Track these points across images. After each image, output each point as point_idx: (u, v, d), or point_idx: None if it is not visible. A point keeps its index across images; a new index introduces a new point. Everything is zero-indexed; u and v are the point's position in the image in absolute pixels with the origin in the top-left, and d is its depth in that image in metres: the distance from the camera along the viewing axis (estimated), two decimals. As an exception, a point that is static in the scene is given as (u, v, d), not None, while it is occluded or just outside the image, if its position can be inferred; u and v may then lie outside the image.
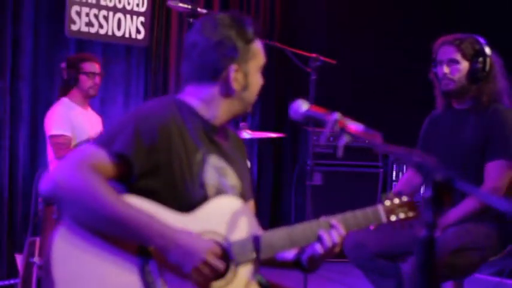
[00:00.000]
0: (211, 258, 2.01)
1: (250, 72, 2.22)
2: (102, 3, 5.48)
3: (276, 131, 5.93)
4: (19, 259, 4.18)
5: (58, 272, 1.92)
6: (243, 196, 2.26)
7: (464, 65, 3.35)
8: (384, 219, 2.31)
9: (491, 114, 3.33)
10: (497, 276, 4.36)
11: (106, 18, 5.51)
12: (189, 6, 3.79)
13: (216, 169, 2.21)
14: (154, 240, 1.96)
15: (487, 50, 3.36)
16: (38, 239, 4.03)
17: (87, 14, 5.39)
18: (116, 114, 5.56)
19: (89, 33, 5.42)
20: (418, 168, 1.71)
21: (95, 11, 5.44)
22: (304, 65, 4.66)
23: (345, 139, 2.09)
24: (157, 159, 2.07)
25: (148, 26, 5.76)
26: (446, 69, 3.37)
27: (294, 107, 2.24)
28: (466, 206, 3.21)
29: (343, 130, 2.08)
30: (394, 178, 6.19)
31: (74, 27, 5.33)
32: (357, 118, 2.13)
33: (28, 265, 4.00)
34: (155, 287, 1.98)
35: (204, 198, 2.14)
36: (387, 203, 2.32)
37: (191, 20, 4.74)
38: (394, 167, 6.17)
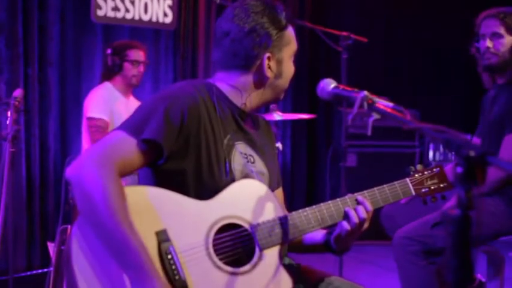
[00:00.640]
0: None
1: (284, 60, 2.20)
2: (128, -13, 5.43)
3: (308, 112, 5.83)
4: (51, 247, 4.17)
5: (77, 261, 1.88)
6: (270, 184, 2.22)
7: (508, 39, 3.28)
8: (413, 191, 2.24)
9: None
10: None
11: (132, 2, 5.45)
12: (217, -13, 3.72)
13: (243, 155, 2.18)
14: (128, 270, 1.86)
15: None
16: (69, 227, 4.00)
17: (114, -1, 5.35)
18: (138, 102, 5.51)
19: (115, 18, 5.37)
20: (446, 144, 1.64)
21: (121, -5, 5.39)
22: (335, 44, 4.57)
23: (374, 117, 2.02)
24: (186, 139, 2.04)
25: (176, 8, 5.67)
26: (489, 43, 3.29)
27: (320, 85, 2.16)
28: (490, 176, 3.13)
29: (372, 108, 2.00)
30: (431, 158, 6.04)
31: (100, 13, 5.28)
32: (389, 98, 2.04)
33: (60, 253, 3.98)
34: (177, 273, 1.92)
35: (231, 183, 2.10)
36: (416, 174, 2.25)
37: (218, 1, 4.68)
38: (431, 147, 6.03)
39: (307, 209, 2.14)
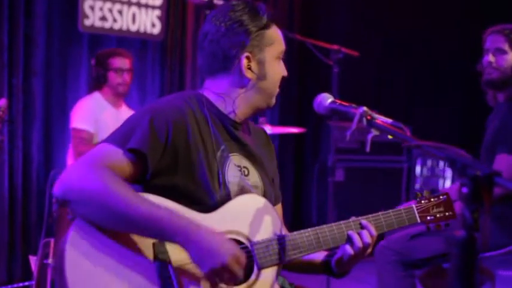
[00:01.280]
0: (233, 264, 1.87)
1: (266, 61, 2.11)
2: (116, -4, 5.38)
3: (296, 125, 5.78)
4: (33, 261, 4.10)
5: (71, 274, 1.83)
6: (266, 197, 2.15)
7: (511, 56, 3.24)
8: (418, 218, 2.21)
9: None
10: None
11: (120, 12, 5.40)
12: (206, -2, 3.68)
13: (238, 168, 2.12)
14: (174, 237, 1.85)
15: None
16: (52, 240, 3.94)
17: (101, 8, 5.29)
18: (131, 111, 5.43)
19: (102, 28, 5.32)
20: (451, 164, 1.60)
21: (108, 5, 5.33)
22: (325, 58, 4.53)
23: (373, 133, 1.98)
24: (174, 155, 1.99)
25: (164, 20, 5.62)
26: (491, 58, 3.30)
27: (318, 100, 2.13)
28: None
29: (371, 124, 1.97)
30: (418, 173, 6.03)
31: (88, 22, 5.23)
32: (381, 113, 2.03)
33: (42, 267, 3.92)
34: (172, 285, 1.87)
35: (226, 197, 2.05)
36: (422, 201, 2.21)
37: (208, 12, 4.63)
38: (419, 162, 6.02)
39: (309, 229, 2.08)
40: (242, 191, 2.08)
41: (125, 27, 5.42)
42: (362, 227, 2.09)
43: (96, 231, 1.87)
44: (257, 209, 2.06)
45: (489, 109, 3.49)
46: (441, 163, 5.94)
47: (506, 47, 3.27)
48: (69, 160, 4.52)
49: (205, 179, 2.01)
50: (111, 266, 1.86)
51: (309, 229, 2.08)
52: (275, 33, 2.13)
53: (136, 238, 1.89)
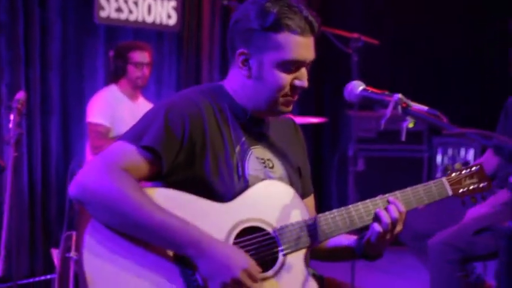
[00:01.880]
0: (245, 278, 1.84)
1: (264, 64, 1.98)
2: (132, -13, 5.35)
3: (315, 116, 5.73)
4: (55, 254, 4.09)
5: (90, 271, 1.81)
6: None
7: None
8: (450, 191, 2.11)
9: None
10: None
11: (136, 3, 5.36)
12: (222, -13, 3.63)
13: (261, 160, 2.06)
14: (185, 249, 1.83)
15: None
16: (74, 233, 3.93)
17: (117, 0, 5.23)
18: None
19: (118, 19, 5.28)
20: (497, 151, 1.55)
21: (124, -4, 5.29)
22: (344, 46, 4.48)
23: (408, 121, 1.93)
24: (191, 150, 1.94)
25: (180, 10, 5.57)
26: None
27: (348, 87, 2.07)
28: None
29: (406, 111, 1.91)
30: (439, 162, 5.96)
31: (103, 14, 5.20)
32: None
33: (64, 260, 3.92)
34: (198, 285, 1.85)
35: (246, 190, 2.00)
36: (453, 173, 2.13)
37: (225, 2, 4.58)
38: (439, 151, 5.94)
39: (334, 211, 2.02)
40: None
41: (140, 19, 5.39)
42: (389, 203, 2.02)
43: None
44: (281, 196, 2.01)
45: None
46: (462, 152, 5.86)
47: None
48: (88, 154, 4.50)
49: (223, 173, 1.97)
50: (131, 265, 1.84)
51: (334, 210, 2.02)
52: (287, 40, 1.95)
53: None
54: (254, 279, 1.86)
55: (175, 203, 1.90)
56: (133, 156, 1.90)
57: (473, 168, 2.14)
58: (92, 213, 1.85)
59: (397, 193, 2.06)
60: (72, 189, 1.86)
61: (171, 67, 5.71)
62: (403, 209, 2.01)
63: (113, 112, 4.42)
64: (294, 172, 2.17)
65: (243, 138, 2.04)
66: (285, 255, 1.95)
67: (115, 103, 4.47)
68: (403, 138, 1.93)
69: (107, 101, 4.47)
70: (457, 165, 2.15)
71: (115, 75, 4.54)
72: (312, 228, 1.98)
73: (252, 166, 2.03)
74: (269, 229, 1.95)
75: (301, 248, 1.97)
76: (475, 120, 3.94)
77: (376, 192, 2.11)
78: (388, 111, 1.92)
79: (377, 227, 1.98)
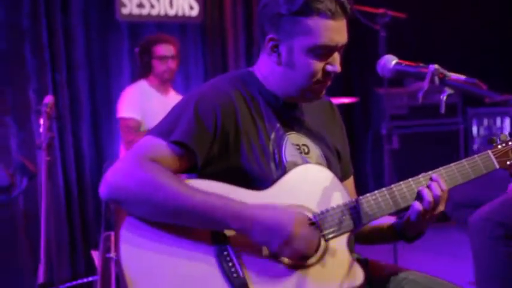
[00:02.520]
0: (301, 230, 1.80)
1: (294, 50, 1.92)
2: (152, -18, 5.32)
3: (345, 96, 5.65)
4: (96, 256, 4.09)
5: (128, 270, 1.77)
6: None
7: None
8: (496, 164, 2.03)
9: None
10: None
11: (157, -3, 5.33)
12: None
13: (296, 146, 2.02)
14: (232, 223, 1.79)
15: None
16: (112, 234, 3.92)
17: (137, -5, 5.23)
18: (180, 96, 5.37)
19: (140, 15, 5.27)
20: None
21: (145, -9, 5.27)
22: (371, 22, 4.41)
23: (447, 92, 1.85)
24: (225, 141, 1.90)
25: (202, 0, 5.52)
26: None
27: (381, 62, 2.01)
28: None
29: (444, 82, 1.84)
30: (475, 133, 5.84)
31: (125, 10, 5.19)
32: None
33: (105, 261, 3.90)
34: (236, 271, 1.80)
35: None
36: (499, 146, 2.04)
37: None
38: (474, 122, 5.83)
39: (375, 192, 1.95)
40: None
41: (162, 12, 5.36)
42: (432, 180, 1.94)
43: (148, 224, 1.81)
44: (320, 180, 1.96)
45: None
46: (498, 121, 5.74)
47: None
48: (122, 150, 4.50)
49: (260, 162, 1.92)
50: (168, 258, 1.80)
51: (376, 191, 1.95)
52: (317, 25, 1.88)
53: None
54: (306, 228, 1.83)
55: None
56: (163, 151, 1.86)
57: None
58: (128, 210, 1.81)
59: (441, 169, 1.99)
60: (103, 190, 1.82)
61: (197, 59, 5.67)
62: (445, 187, 1.94)
63: (142, 105, 4.42)
64: (332, 155, 2.11)
65: (278, 125, 2.00)
66: (327, 240, 1.89)
67: (144, 97, 4.46)
68: (443, 110, 1.86)
69: (136, 95, 4.47)
70: (503, 136, 2.05)
71: (143, 70, 4.55)
72: (354, 212, 1.92)
73: (289, 152, 1.99)
74: (309, 215, 1.90)
75: (344, 233, 1.92)
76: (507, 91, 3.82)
77: (413, 169, 2.04)
78: (426, 84, 1.85)
79: (418, 206, 1.91)
